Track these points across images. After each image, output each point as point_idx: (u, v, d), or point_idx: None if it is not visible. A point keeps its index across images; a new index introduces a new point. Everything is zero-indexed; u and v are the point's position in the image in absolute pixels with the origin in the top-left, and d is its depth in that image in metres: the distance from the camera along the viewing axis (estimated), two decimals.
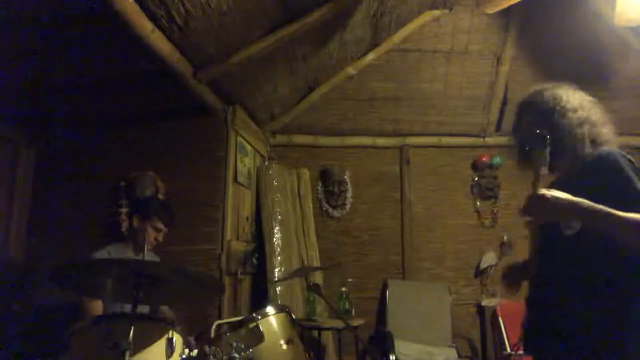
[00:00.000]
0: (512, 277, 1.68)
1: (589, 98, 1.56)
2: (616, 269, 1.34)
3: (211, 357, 1.85)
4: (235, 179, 3.43)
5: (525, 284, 1.58)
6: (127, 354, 1.50)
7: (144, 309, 2.26)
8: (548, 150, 1.34)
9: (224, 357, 1.87)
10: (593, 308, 1.35)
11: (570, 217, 1.35)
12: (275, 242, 3.77)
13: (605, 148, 1.44)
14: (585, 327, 1.35)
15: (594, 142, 1.46)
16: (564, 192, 1.36)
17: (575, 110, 1.50)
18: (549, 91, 1.58)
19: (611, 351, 1.31)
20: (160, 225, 2.50)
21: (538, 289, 1.50)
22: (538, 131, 1.36)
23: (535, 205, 1.32)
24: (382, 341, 3.61)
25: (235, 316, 3.06)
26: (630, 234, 1.26)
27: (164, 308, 2.56)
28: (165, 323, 1.79)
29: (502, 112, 4.33)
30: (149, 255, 2.49)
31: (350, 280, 3.89)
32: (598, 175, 1.39)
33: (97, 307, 2.29)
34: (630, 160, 1.37)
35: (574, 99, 1.53)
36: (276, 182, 4.01)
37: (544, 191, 1.31)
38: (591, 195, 1.31)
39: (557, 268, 1.45)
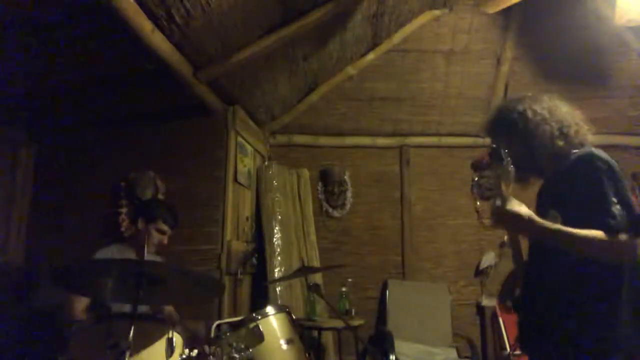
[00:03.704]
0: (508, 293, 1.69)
1: (553, 102, 1.57)
2: (601, 265, 1.33)
3: (211, 357, 1.85)
4: (235, 179, 3.43)
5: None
6: (127, 354, 1.49)
7: (143, 308, 2.25)
8: (509, 161, 1.36)
9: (224, 357, 1.87)
10: (581, 305, 1.36)
11: (528, 233, 1.42)
12: (275, 242, 3.77)
13: (586, 149, 1.45)
14: (573, 324, 1.36)
15: (567, 143, 1.48)
16: (548, 194, 1.45)
17: (536, 115, 1.53)
18: (511, 105, 1.61)
19: (600, 348, 1.31)
20: (165, 228, 2.48)
21: (526, 290, 1.51)
22: (494, 146, 1.39)
23: (499, 217, 1.40)
24: (382, 341, 3.61)
25: (236, 316, 3.06)
26: (584, 251, 1.31)
27: (170, 308, 2.55)
28: (166, 323, 1.79)
29: None
30: (152, 258, 2.48)
31: (350, 280, 3.89)
32: (574, 178, 1.41)
33: (83, 303, 2.25)
34: (608, 164, 1.37)
35: (536, 108, 1.55)
36: (276, 182, 4.00)
37: (511, 207, 1.37)
38: (567, 198, 1.37)
39: (543, 267, 1.45)
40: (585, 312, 1.34)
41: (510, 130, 1.54)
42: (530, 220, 1.34)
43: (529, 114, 1.53)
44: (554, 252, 1.39)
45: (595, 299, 1.34)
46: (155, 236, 2.45)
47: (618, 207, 1.29)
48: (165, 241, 2.51)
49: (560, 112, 1.53)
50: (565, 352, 1.37)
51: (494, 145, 1.44)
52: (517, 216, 1.35)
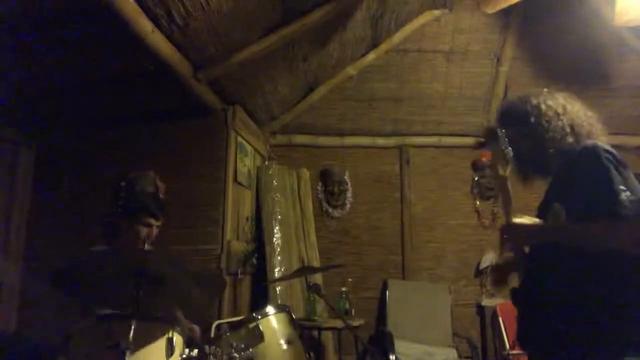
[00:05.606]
0: (501, 275, 1.72)
1: (568, 100, 1.57)
2: (602, 259, 1.32)
3: (211, 357, 1.85)
4: (235, 179, 3.43)
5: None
6: (127, 353, 1.49)
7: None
8: (505, 141, 1.39)
9: (224, 357, 1.87)
10: (581, 299, 1.34)
11: (538, 241, 1.45)
12: (275, 242, 3.77)
13: (590, 141, 1.44)
14: (573, 319, 1.35)
15: (577, 141, 1.48)
16: (553, 189, 1.45)
17: (549, 109, 1.53)
18: (526, 97, 1.62)
19: (600, 342, 1.30)
20: (151, 221, 2.38)
21: (526, 283, 1.51)
22: (491, 126, 1.39)
23: (509, 234, 1.46)
24: (382, 341, 3.61)
25: (235, 316, 3.06)
26: (597, 243, 1.31)
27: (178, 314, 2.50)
28: (165, 323, 1.79)
29: None
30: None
31: (350, 280, 3.89)
32: (579, 169, 1.40)
33: None
34: (612, 154, 1.36)
35: (550, 103, 1.55)
36: (276, 182, 4.01)
37: (515, 220, 1.42)
38: (572, 190, 1.37)
39: (545, 261, 1.45)
40: (588, 306, 1.33)
41: (522, 122, 1.53)
42: (536, 229, 1.38)
43: (543, 107, 1.53)
44: (556, 245, 1.39)
45: (599, 293, 1.32)
46: (142, 231, 2.35)
47: (628, 193, 1.28)
48: (154, 235, 2.40)
49: (573, 110, 1.54)
50: (566, 347, 1.35)
51: (491, 126, 1.45)
52: (524, 225, 1.39)
